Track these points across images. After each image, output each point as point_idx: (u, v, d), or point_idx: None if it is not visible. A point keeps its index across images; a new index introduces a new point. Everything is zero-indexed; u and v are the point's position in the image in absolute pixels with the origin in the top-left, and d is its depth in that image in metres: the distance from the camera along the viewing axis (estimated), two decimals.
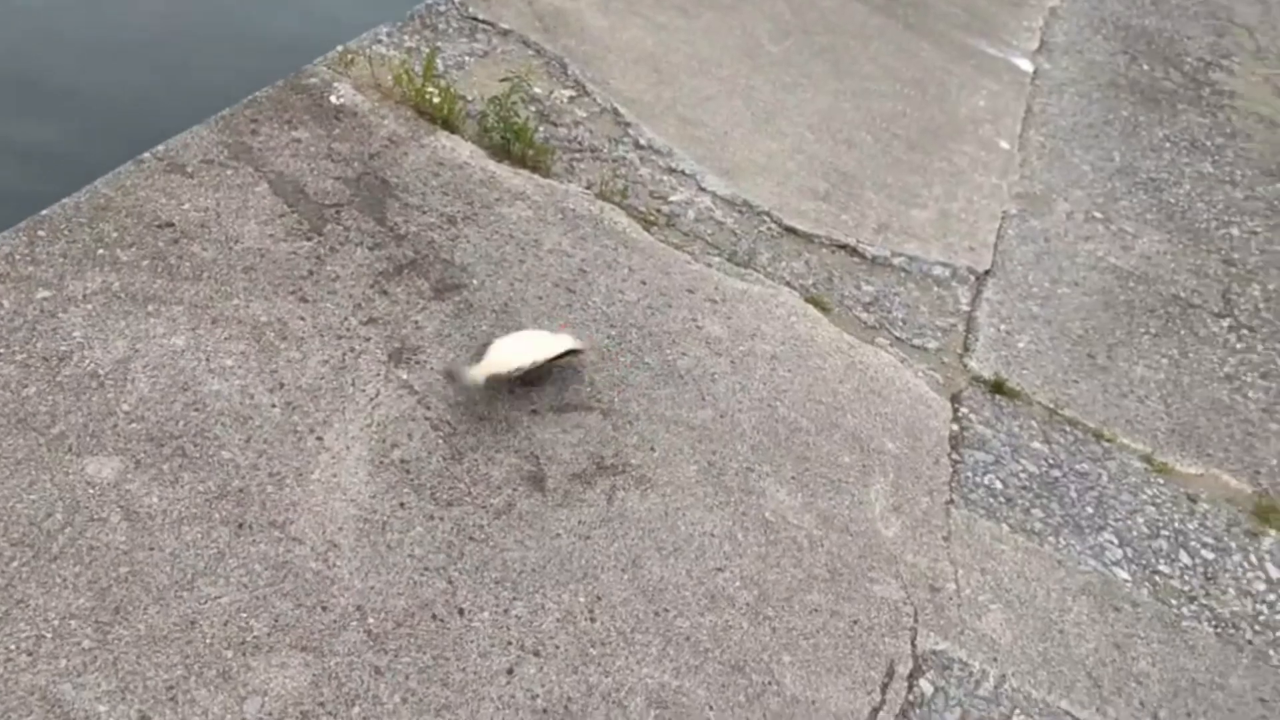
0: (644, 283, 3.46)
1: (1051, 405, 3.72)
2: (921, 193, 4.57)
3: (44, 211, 2.90)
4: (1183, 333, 4.37)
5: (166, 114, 3.67)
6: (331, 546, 2.39)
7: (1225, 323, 4.53)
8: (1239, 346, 4.40)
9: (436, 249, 3.25)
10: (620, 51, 4.63)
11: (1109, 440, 3.66)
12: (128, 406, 2.49)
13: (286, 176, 3.27)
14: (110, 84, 4.44)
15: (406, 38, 4.16)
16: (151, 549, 2.25)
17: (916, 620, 2.79)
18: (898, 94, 5.30)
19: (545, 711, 2.27)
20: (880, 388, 3.47)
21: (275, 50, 4.52)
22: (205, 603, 2.20)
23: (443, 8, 4.39)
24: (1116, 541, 3.28)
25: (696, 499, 2.85)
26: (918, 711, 2.60)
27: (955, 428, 3.46)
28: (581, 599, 2.51)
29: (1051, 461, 3.48)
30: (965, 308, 4.04)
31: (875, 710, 2.55)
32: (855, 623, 2.72)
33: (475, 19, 4.41)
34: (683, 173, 4.08)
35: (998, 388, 3.69)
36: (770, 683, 2.51)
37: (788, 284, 3.76)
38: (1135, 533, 3.33)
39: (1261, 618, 3.21)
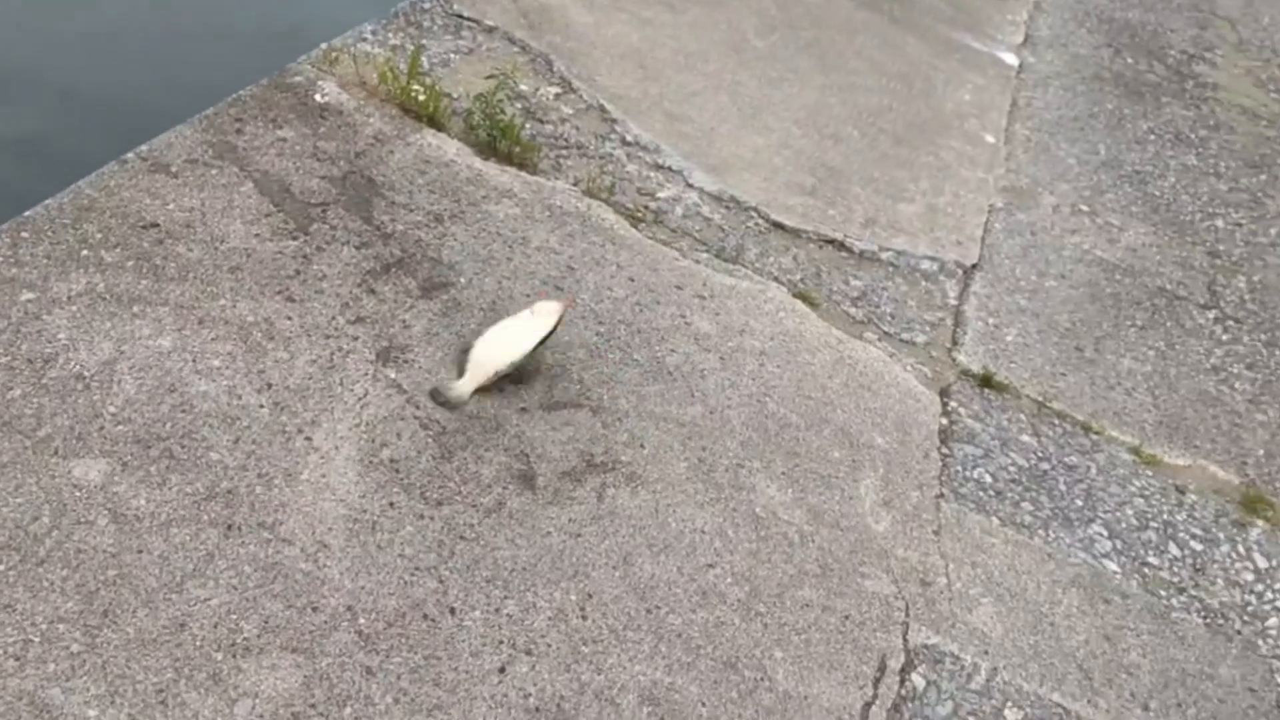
0: (632, 279, 3.45)
1: (1040, 398, 3.73)
2: (908, 187, 4.58)
3: (27, 213, 2.88)
4: (1169, 325, 4.38)
5: (149, 113, 3.64)
6: (321, 547, 2.38)
7: (1211, 314, 4.55)
8: (1225, 338, 4.42)
9: (424, 247, 3.23)
10: (606, 47, 4.62)
11: (1097, 433, 3.67)
12: (114, 408, 2.47)
13: (272, 176, 3.25)
14: (91, 83, 4.41)
15: (391, 35, 4.14)
16: (140, 551, 2.23)
17: (908, 615, 2.80)
18: (884, 88, 5.31)
19: (538, 710, 2.26)
20: (869, 382, 3.47)
21: (259, 48, 4.49)
22: (195, 605, 2.19)
23: (427, 5, 4.37)
24: (1106, 534, 3.29)
25: (687, 495, 2.85)
26: (910, 706, 2.60)
27: (944, 421, 3.47)
28: (573, 597, 2.50)
29: (1040, 454, 3.49)
30: (953, 302, 4.05)
31: (867, 705, 2.55)
32: (847, 618, 2.72)
33: (460, 16, 4.39)
34: (670, 169, 4.08)
35: (986, 381, 3.70)
36: (762, 679, 2.51)
37: (776, 279, 3.76)
38: (1124, 525, 3.34)
39: (1250, 608, 3.23)
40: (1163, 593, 3.17)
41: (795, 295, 3.71)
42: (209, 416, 2.53)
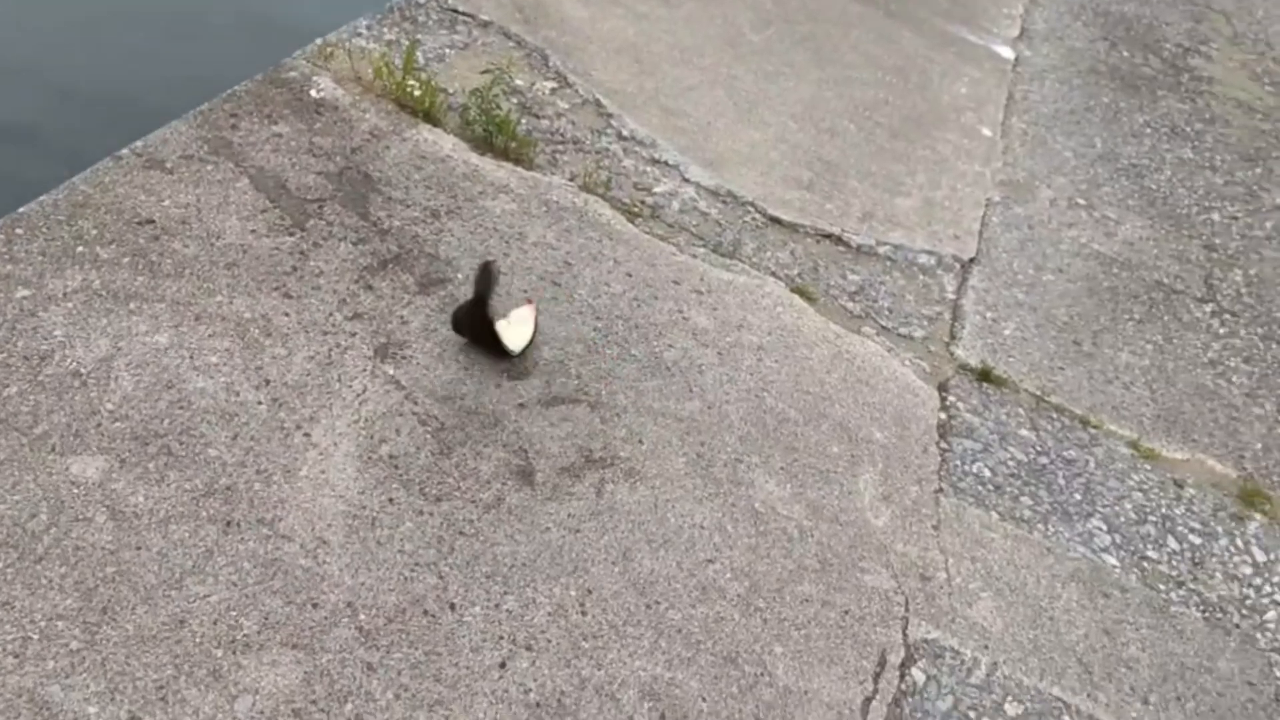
0: (629, 275, 3.44)
1: (1038, 392, 3.73)
2: (905, 181, 4.57)
3: (21, 209, 2.86)
4: (1166, 319, 4.38)
5: (143, 108, 3.63)
6: (321, 543, 2.37)
7: (1208, 308, 4.55)
8: (1222, 332, 4.42)
9: (421, 243, 3.22)
10: (601, 42, 4.60)
11: (1096, 427, 3.67)
12: (111, 405, 2.46)
13: (268, 172, 3.24)
14: (84, 78, 4.39)
15: (386, 30, 4.13)
16: (138, 548, 2.22)
17: (908, 609, 2.80)
18: (880, 82, 5.30)
19: (538, 705, 2.26)
20: (867, 377, 3.47)
21: (253, 43, 4.47)
22: (194, 601, 2.18)
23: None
24: (1105, 528, 3.29)
25: (686, 491, 2.84)
26: (910, 700, 2.60)
27: (943, 416, 3.47)
28: (573, 592, 2.50)
29: (1039, 449, 3.49)
30: (951, 296, 4.04)
31: (868, 700, 2.55)
32: (847, 613, 2.72)
33: (455, 11, 4.38)
34: (666, 164, 4.07)
35: (985, 375, 3.70)
36: (762, 674, 2.50)
37: (773, 274, 3.75)
38: (1123, 519, 3.35)
39: (1248, 601, 3.23)
40: (1161, 586, 3.18)
41: (793, 290, 3.71)
42: (207, 413, 2.53)
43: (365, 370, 2.78)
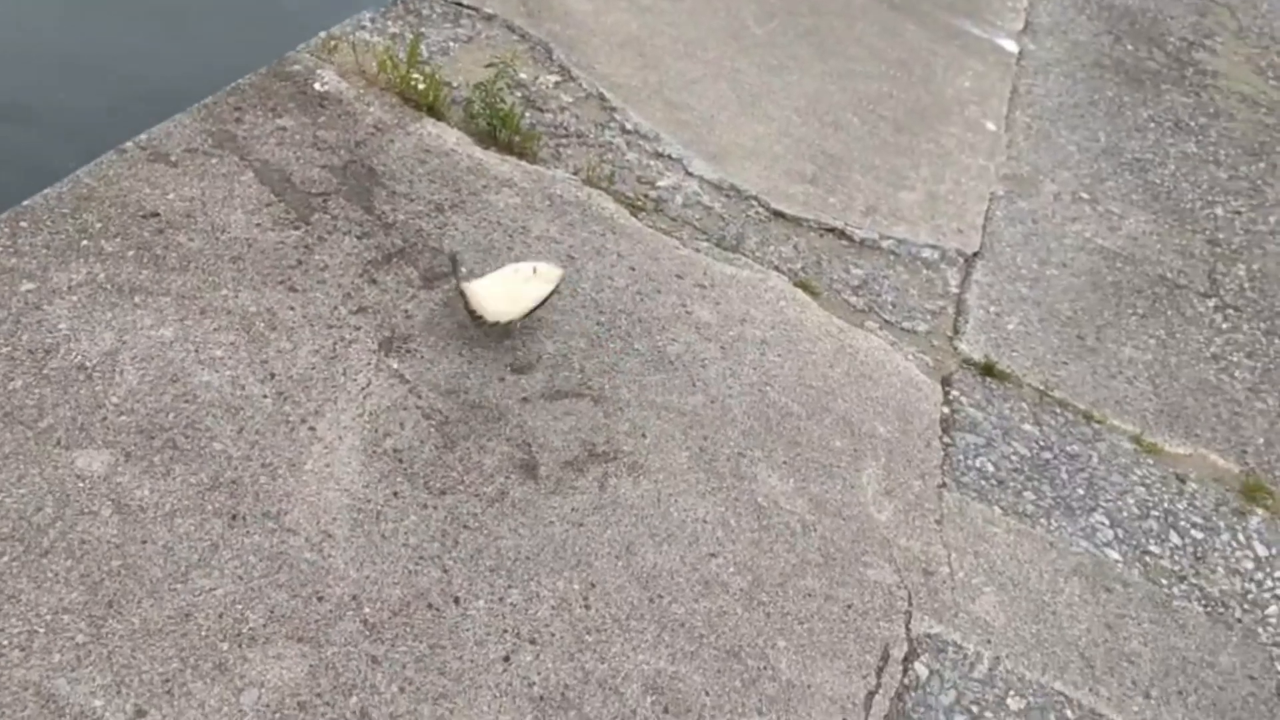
0: (633, 269, 3.44)
1: (1041, 387, 3.74)
2: (909, 175, 4.57)
3: (25, 202, 2.87)
4: (1170, 313, 4.38)
5: (147, 101, 3.63)
6: (326, 537, 2.38)
7: (1211, 303, 4.55)
8: (1225, 326, 4.42)
9: (425, 237, 3.22)
10: (605, 35, 4.60)
11: (1099, 421, 3.68)
12: (116, 399, 2.47)
13: (272, 165, 3.24)
14: (88, 70, 4.38)
15: (390, 23, 4.12)
16: (144, 542, 2.23)
17: (911, 604, 2.80)
18: (883, 75, 5.29)
19: (542, 699, 2.27)
20: (870, 371, 3.47)
21: (257, 36, 4.46)
22: (200, 595, 2.19)
23: None
24: (1107, 522, 3.29)
25: (689, 485, 2.85)
26: (913, 695, 2.61)
27: (946, 410, 3.47)
28: (576, 586, 2.50)
29: (1042, 443, 3.49)
30: (954, 290, 4.04)
31: (870, 694, 2.56)
32: (849, 607, 2.73)
33: (459, 4, 4.37)
34: (669, 157, 4.07)
35: (988, 370, 3.70)
36: (765, 668, 2.51)
37: (776, 268, 3.75)
38: (1126, 513, 3.35)
39: (1250, 596, 3.23)
40: (1164, 581, 3.18)
41: (796, 284, 3.71)
42: (212, 407, 2.53)
43: (370, 364, 2.78)
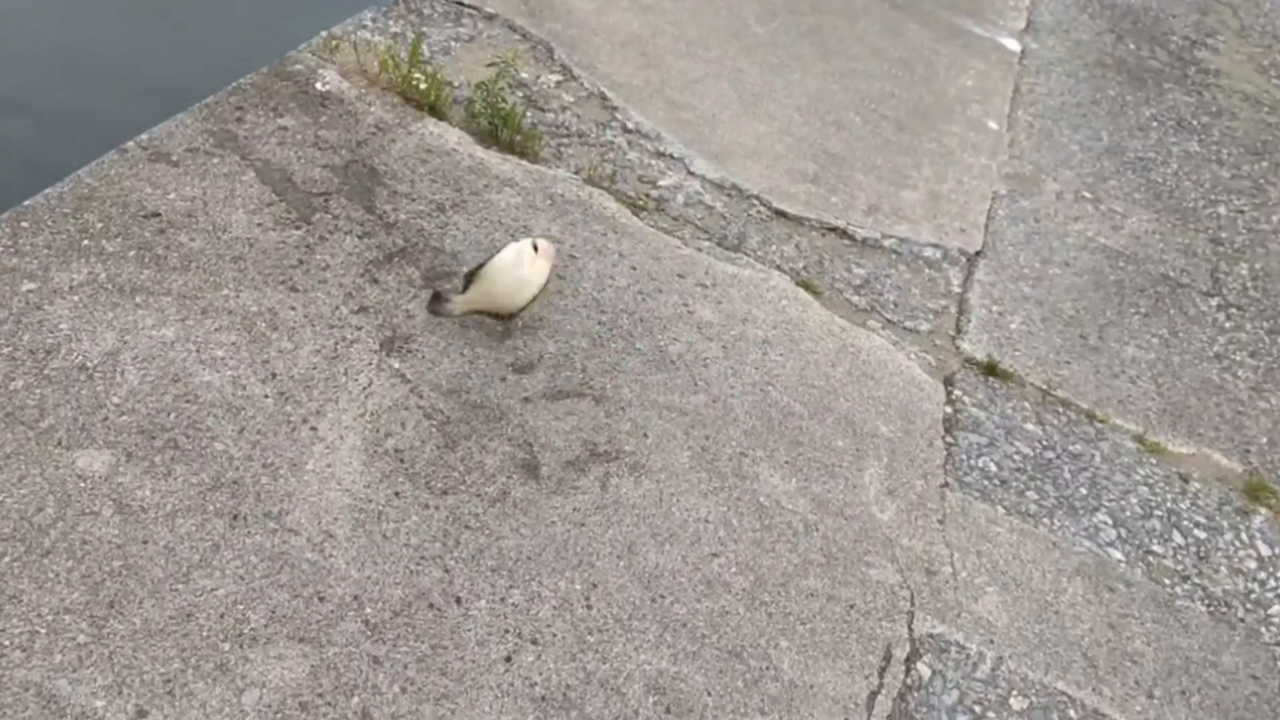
0: (634, 268, 3.44)
1: (1044, 386, 3.73)
2: (911, 174, 4.56)
3: (26, 202, 2.87)
4: (1172, 312, 4.37)
5: (148, 101, 3.63)
6: (327, 537, 2.37)
7: (1214, 302, 4.54)
8: (1228, 325, 4.41)
9: (426, 237, 3.22)
10: (607, 34, 4.60)
11: (1102, 421, 3.67)
12: (118, 399, 2.46)
13: (273, 165, 3.24)
14: (90, 70, 4.38)
15: (391, 23, 4.12)
16: (145, 542, 2.23)
17: (913, 604, 2.80)
18: (885, 74, 5.29)
19: (544, 699, 2.26)
20: (873, 371, 3.46)
21: (258, 36, 4.46)
22: (201, 595, 2.19)
23: None
24: (1110, 522, 3.29)
25: (690, 485, 2.84)
26: (915, 695, 2.60)
27: (949, 410, 3.47)
28: (578, 586, 2.50)
29: (1045, 443, 3.48)
30: (957, 289, 4.04)
31: (873, 694, 2.55)
32: (852, 607, 2.72)
33: (460, 3, 4.37)
34: (671, 156, 4.06)
35: (990, 369, 3.69)
36: (768, 668, 2.51)
37: (778, 268, 3.75)
38: (1129, 513, 3.34)
39: (1253, 596, 3.23)
40: (1167, 581, 3.17)
41: (798, 284, 3.70)
42: (213, 407, 2.53)
43: (371, 364, 2.78)
